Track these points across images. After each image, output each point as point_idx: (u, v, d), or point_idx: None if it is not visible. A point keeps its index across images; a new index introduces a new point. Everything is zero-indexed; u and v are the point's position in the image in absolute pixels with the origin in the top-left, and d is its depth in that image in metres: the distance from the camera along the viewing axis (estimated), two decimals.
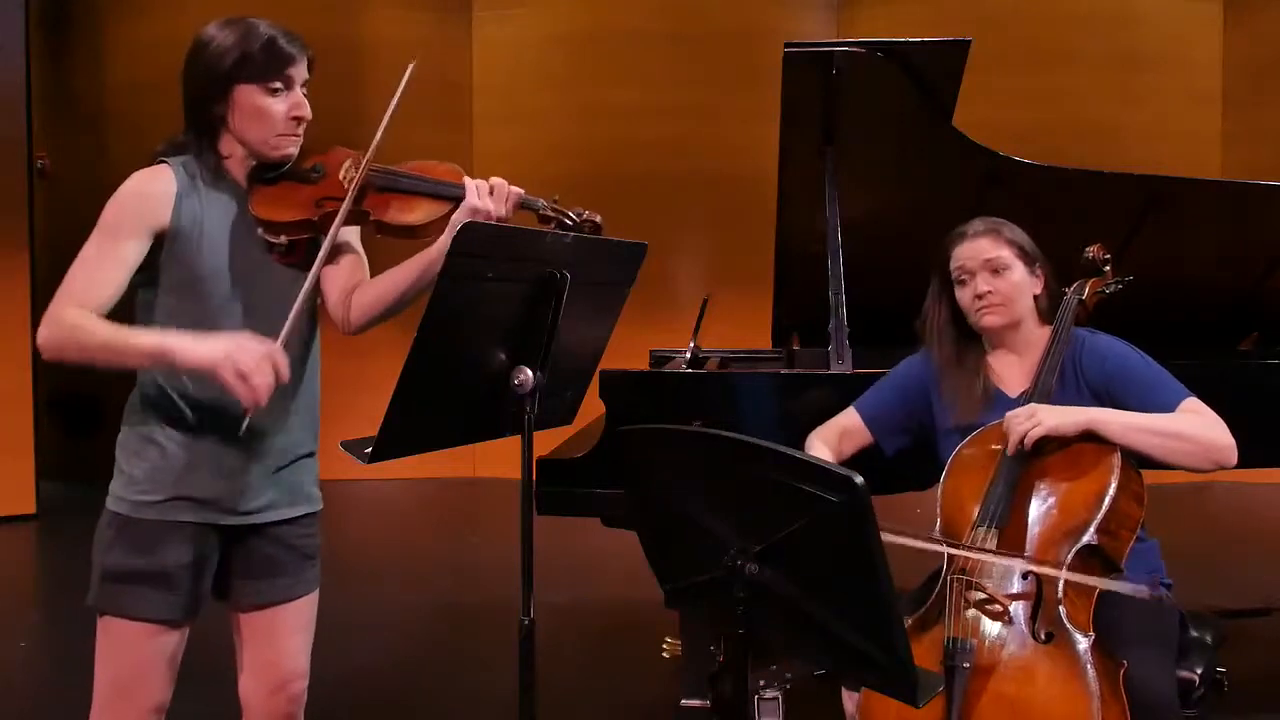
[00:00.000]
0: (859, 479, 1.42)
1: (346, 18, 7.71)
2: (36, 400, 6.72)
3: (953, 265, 2.33)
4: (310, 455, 2.08)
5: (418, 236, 1.95)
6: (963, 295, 2.33)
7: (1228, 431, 2.10)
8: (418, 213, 1.93)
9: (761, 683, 2.57)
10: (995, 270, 2.28)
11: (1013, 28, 7.27)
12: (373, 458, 1.79)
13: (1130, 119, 7.37)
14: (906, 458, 2.46)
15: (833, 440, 2.44)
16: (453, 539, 6.31)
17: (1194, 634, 2.23)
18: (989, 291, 2.28)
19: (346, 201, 1.88)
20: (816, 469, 1.47)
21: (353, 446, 1.84)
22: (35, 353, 7.39)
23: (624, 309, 2.12)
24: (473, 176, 1.98)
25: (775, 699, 2.57)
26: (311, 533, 2.09)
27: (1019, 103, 7.00)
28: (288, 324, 1.82)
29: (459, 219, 1.89)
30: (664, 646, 2.89)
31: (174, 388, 1.91)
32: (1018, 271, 2.29)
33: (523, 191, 1.98)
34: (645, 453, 1.76)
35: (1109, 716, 1.84)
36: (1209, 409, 2.13)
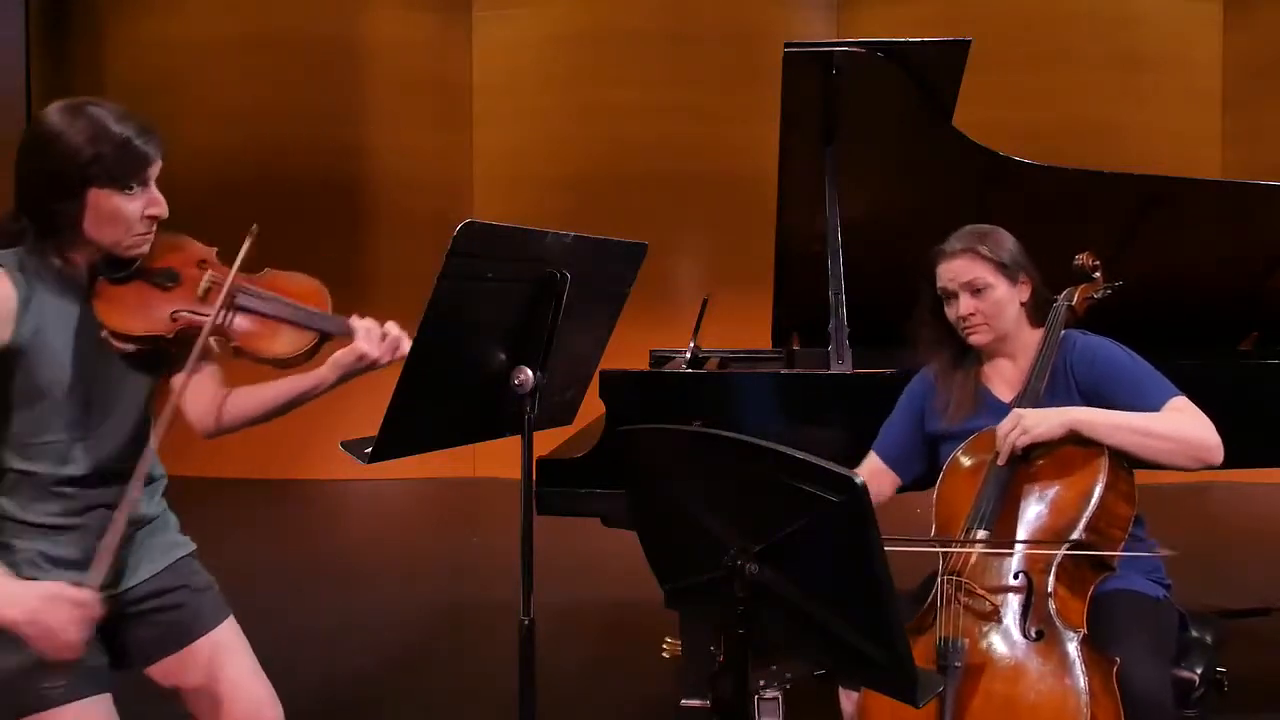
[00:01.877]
0: (859, 479, 1.42)
1: (346, 18, 7.70)
2: None
3: (937, 284, 2.35)
4: (160, 514, 1.99)
5: (281, 367, 1.88)
6: (949, 312, 2.35)
7: (1213, 430, 2.11)
8: (281, 343, 1.84)
9: (761, 683, 2.57)
10: (975, 290, 2.29)
11: (1013, 28, 7.27)
12: (373, 458, 1.79)
13: (1130, 119, 7.37)
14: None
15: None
16: (453, 539, 6.31)
17: (1194, 634, 2.23)
18: (971, 313, 2.29)
19: (206, 329, 1.79)
20: (816, 469, 1.47)
21: (353, 446, 1.84)
22: None
23: (624, 309, 2.12)
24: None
25: (775, 699, 2.57)
26: (193, 570, 2.00)
27: (1019, 103, 7.01)
28: (122, 510, 1.72)
29: (341, 359, 1.89)
30: (664, 646, 2.89)
31: (4, 495, 1.80)
32: (999, 288, 2.29)
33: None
34: (645, 453, 1.76)
35: (1100, 713, 1.85)
36: (1195, 408, 2.14)
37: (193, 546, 2.04)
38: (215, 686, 1.94)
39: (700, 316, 3.39)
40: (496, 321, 1.88)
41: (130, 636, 1.92)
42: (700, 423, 2.32)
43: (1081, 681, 1.86)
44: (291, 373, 1.93)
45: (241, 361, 1.88)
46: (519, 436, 1.92)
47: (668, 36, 7.61)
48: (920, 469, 2.45)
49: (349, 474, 7.14)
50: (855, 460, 2.43)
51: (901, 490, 2.48)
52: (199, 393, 1.96)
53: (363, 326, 1.89)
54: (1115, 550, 2.09)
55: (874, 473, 2.43)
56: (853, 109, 2.95)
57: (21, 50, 6.62)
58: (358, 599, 4.77)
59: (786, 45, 2.86)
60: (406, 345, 1.87)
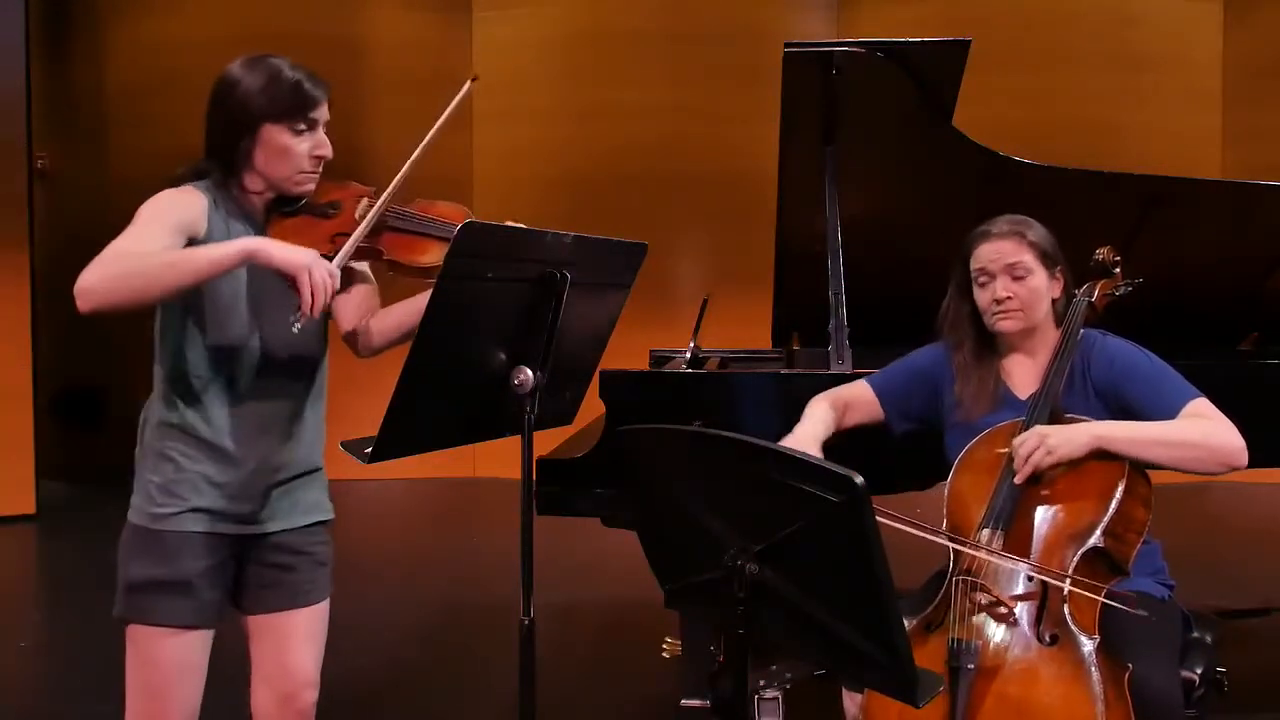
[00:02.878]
0: (859, 479, 1.42)
1: (346, 18, 7.71)
2: (36, 400, 6.72)
3: (974, 265, 2.31)
4: (318, 470, 2.14)
5: (429, 277, 1.97)
6: (981, 296, 2.31)
7: (1236, 433, 2.08)
8: (430, 255, 1.99)
9: (761, 683, 2.57)
10: (1016, 275, 2.26)
11: (1013, 28, 7.27)
12: (373, 458, 1.79)
13: (1130, 119, 7.37)
14: (910, 452, 2.46)
15: (836, 413, 2.41)
16: (453, 539, 6.31)
17: (1194, 634, 2.23)
18: (1008, 297, 2.26)
19: (356, 234, 1.94)
20: (816, 469, 1.47)
21: (353, 446, 1.85)
22: (35, 352, 7.38)
23: (624, 309, 2.12)
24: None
25: (775, 699, 2.57)
26: (322, 540, 2.15)
27: (1019, 103, 7.00)
28: (341, 253, 1.89)
29: None
30: (664, 646, 2.89)
31: (188, 403, 1.97)
32: (1039, 276, 2.26)
33: None
34: (645, 453, 1.76)
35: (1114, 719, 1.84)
36: (1217, 410, 2.11)
37: (331, 515, 2.17)
38: (282, 655, 2.09)
39: (700, 316, 3.39)
40: (496, 321, 1.88)
41: (249, 579, 2.07)
42: (700, 423, 2.32)
43: (1097, 688, 1.85)
44: None
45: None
46: (519, 436, 1.92)
47: (668, 36, 7.60)
48: (905, 429, 2.44)
49: (349, 474, 7.13)
50: (856, 461, 2.42)
51: (902, 490, 2.48)
52: (352, 307, 2.11)
53: None
54: (1130, 554, 2.07)
55: (856, 401, 2.43)
56: (853, 109, 2.95)
57: (21, 50, 6.60)
58: (358, 599, 4.77)
59: (786, 45, 2.86)
60: None
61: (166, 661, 1.97)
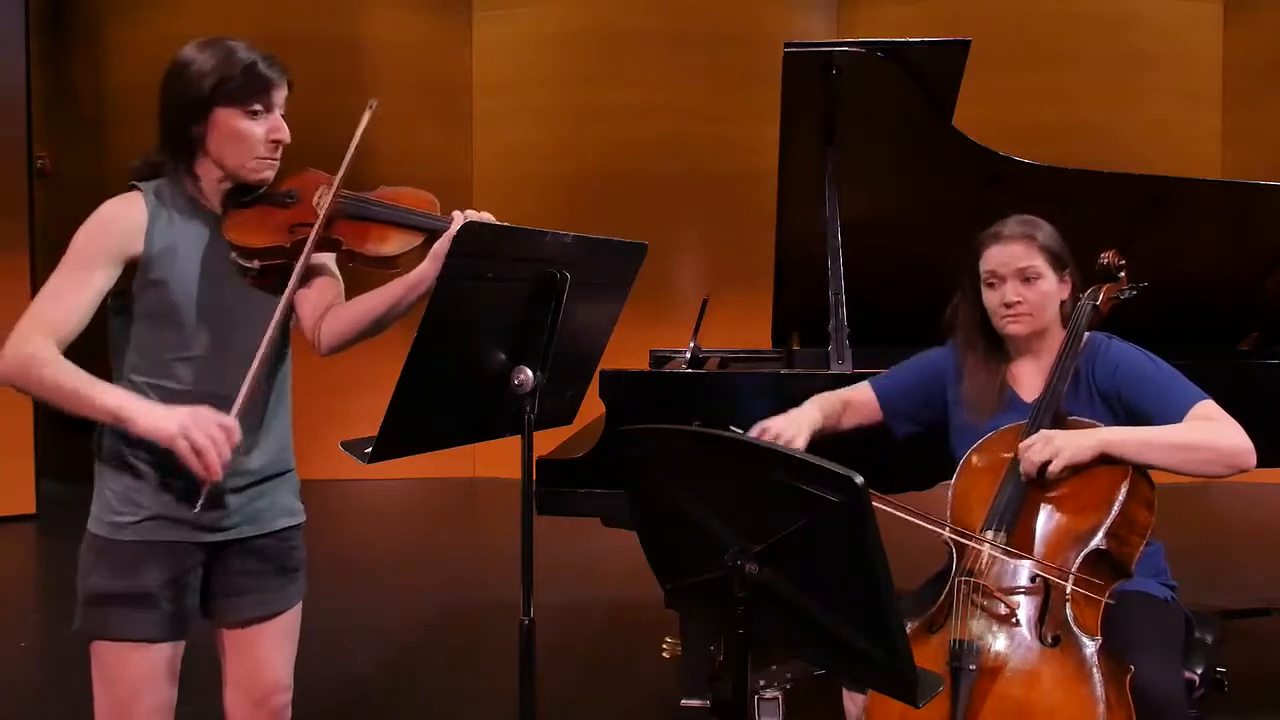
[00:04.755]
0: (859, 479, 1.42)
1: (346, 18, 7.71)
2: (37, 400, 6.71)
3: (984, 267, 2.30)
4: (288, 472, 2.07)
5: (390, 268, 1.94)
6: (990, 298, 2.30)
7: (1244, 434, 2.08)
8: (390, 244, 1.92)
9: (761, 683, 2.57)
10: (1026, 279, 2.25)
11: (1013, 28, 7.27)
12: (373, 458, 1.79)
13: (1130, 119, 7.37)
14: (912, 452, 2.46)
15: (833, 407, 2.41)
16: (453, 539, 6.31)
17: (1195, 634, 2.23)
18: (1018, 301, 2.25)
19: (316, 227, 1.87)
20: (816, 469, 1.47)
21: (353, 446, 1.84)
22: None
23: (624, 309, 2.12)
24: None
25: (775, 699, 2.57)
26: (293, 545, 2.07)
27: (1019, 103, 7.00)
28: (246, 384, 1.80)
29: (439, 249, 1.87)
30: (664, 646, 2.89)
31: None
32: (1048, 280, 2.26)
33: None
34: (645, 453, 1.76)
35: None
36: (1223, 412, 2.11)
37: (302, 518, 2.09)
38: (254, 663, 2.04)
39: (700, 316, 3.39)
40: (496, 321, 1.88)
41: (218, 587, 2.00)
42: (700, 423, 2.32)
43: (1098, 690, 1.84)
44: (401, 274, 1.96)
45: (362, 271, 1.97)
46: (519, 436, 1.92)
47: (667, 36, 7.60)
48: (907, 432, 2.44)
49: (349, 474, 7.13)
50: (856, 461, 2.42)
51: (902, 490, 2.48)
52: (310, 303, 2.02)
53: (459, 217, 1.91)
54: (1133, 556, 2.06)
55: (856, 403, 2.43)
56: (853, 109, 2.95)
57: (22, 50, 6.60)
58: (357, 599, 4.77)
59: (786, 45, 2.86)
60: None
61: (132, 678, 1.88)
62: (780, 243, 3.33)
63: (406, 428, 1.82)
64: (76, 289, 1.82)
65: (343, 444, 1.89)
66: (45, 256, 6.83)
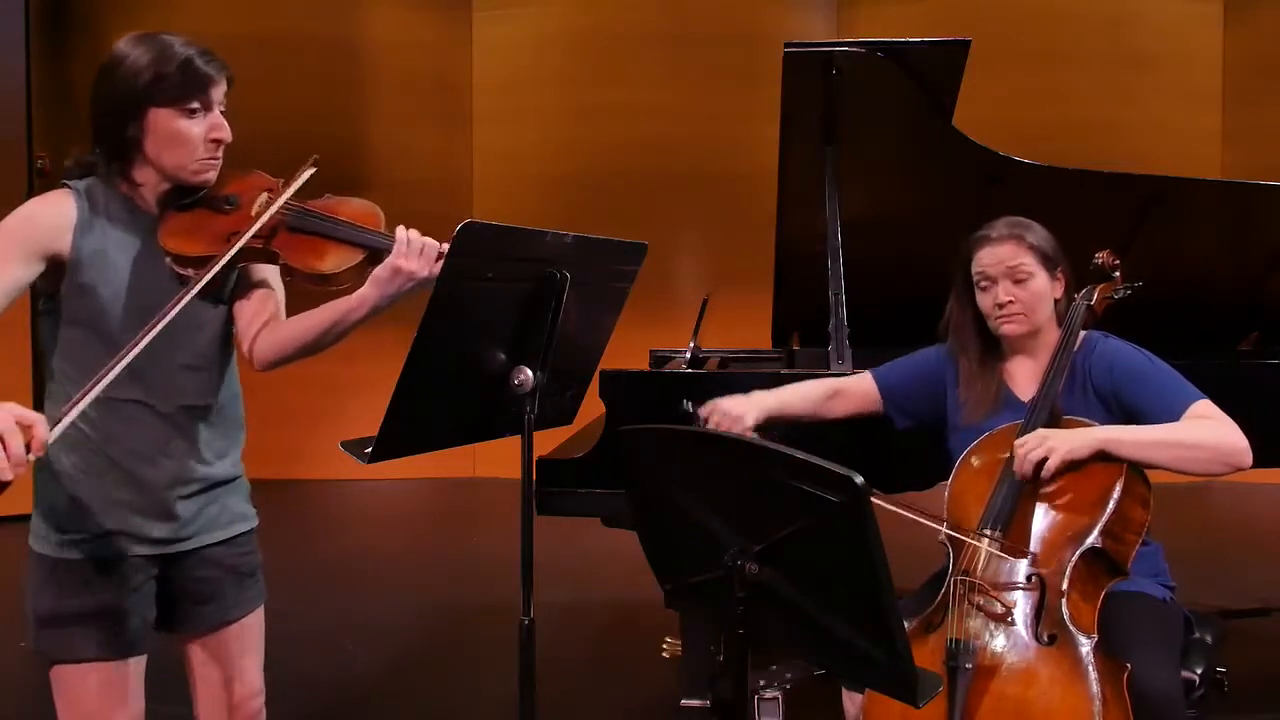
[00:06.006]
0: (859, 479, 1.42)
1: (346, 18, 7.70)
2: (36, 400, 6.69)
3: (974, 269, 2.31)
4: (237, 478, 2.02)
5: (328, 285, 1.86)
6: (983, 300, 2.31)
7: (1240, 433, 2.08)
8: (329, 260, 1.83)
9: (761, 683, 2.57)
10: (1017, 279, 2.26)
11: (1013, 28, 7.27)
12: (373, 458, 1.79)
13: (1130, 119, 7.36)
14: (911, 452, 2.46)
15: (813, 393, 2.42)
16: (453, 539, 6.31)
17: (1194, 634, 2.23)
18: (1009, 301, 2.26)
19: (246, 234, 1.77)
20: (816, 469, 1.47)
21: (353, 446, 1.84)
22: (35, 352, 7.35)
23: (624, 309, 2.12)
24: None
25: (775, 699, 2.57)
26: (248, 550, 2.04)
27: (1019, 103, 7.00)
28: (169, 311, 1.68)
29: (379, 274, 1.82)
30: (664, 646, 2.89)
31: (82, 421, 1.79)
32: (1039, 279, 2.27)
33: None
34: (645, 453, 1.76)
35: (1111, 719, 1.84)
36: (1219, 410, 2.11)
37: (254, 522, 2.06)
38: (224, 672, 2.01)
39: (700, 316, 3.39)
40: (496, 321, 1.88)
41: (175, 598, 1.95)
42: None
43: (1094, 688, 1.85)
44: (341, 293, 1.88)
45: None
46: (519, 436, 1.92)
47: (668, 36, 7.60)
48: (905, 425, 2.44)
49: (349, 474, 7.14)
50: (857, 461, 2.42)
51: (901, 490, 2.48)
52: (246, 315, 1.94)
53: (403, 238, 1.81)
54: (1129, 554, 2.07)
55: (851, 391, 2.44)
56: (853, 109, 2.95)
57: (22, 50, 6.60)
58: (357, 599, 4.77)
59: (786, 45, 2.86)
60: (441, 251, 1.80)
61: (95, 698, 1.84)
62: (780, 243, 3.33)
63: (406, 428, 1.82)
64: None
65: (343, 444, 1.89)
66: None
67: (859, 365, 2.80)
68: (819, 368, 3.00)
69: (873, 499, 1.44)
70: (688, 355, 3.27)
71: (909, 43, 2.90)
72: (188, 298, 1.71)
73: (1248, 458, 2.08)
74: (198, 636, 2.00)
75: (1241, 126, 7.51)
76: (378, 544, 6.09)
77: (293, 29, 7.50)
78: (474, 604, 4.74)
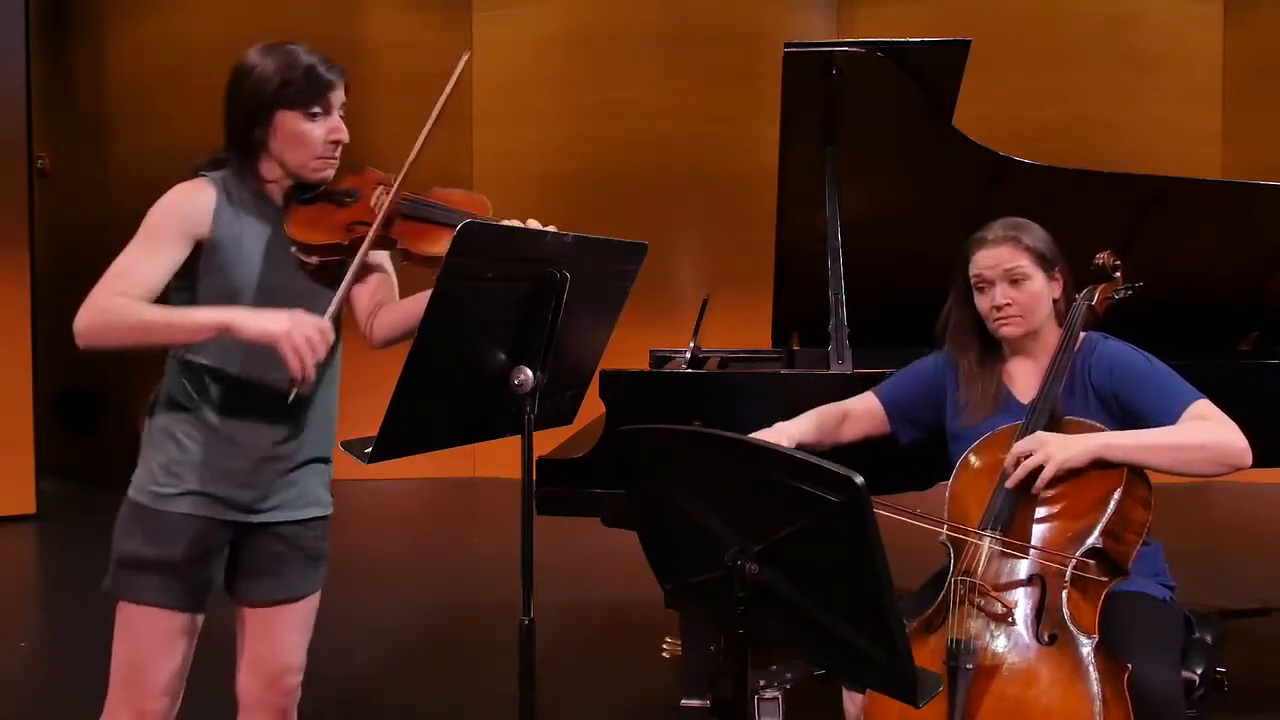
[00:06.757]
0: (859, 479, 1.42)
1: (346, 18, 7.71)
2: (36, 399, 6.71)
3: (972, 272, 2.31)
4: (323, 460, 2.14)
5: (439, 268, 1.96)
6: (981, 302, 2.31)
7: (1240, 433, 2.07)
8: (441, 244, 1.93)
9: (761, 683, 2.57)
10: (1014, 280, 2.25)
11: (1013, 28, 7.27)
12: (373, 458, 1.79)
13: (1130, 119, 7.37)
14: (915, 455, 2.46)
15: (833, 414, 2.42)
16: (453, 539, 6.31)
17: (1195, 634, 2.23)
18: (1007, 303, 2.26)
19: (374, 228, 1.94)
20: (816, 469, 1.47)
21: (353, 446, 1.84)
22: (35, 352, 7.36)
23: (624, 309, 2.12)
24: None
25: (775, 699, 2.57)
26: (319, 535, 2.15)
27: (1019, 103, 7.00)
28: (334, 303, 1.92)
29: None
30: (664, 646, 2.89)
31: (197, 388, 1.98)
32: (1037, 280, 2.26)
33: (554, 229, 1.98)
34: (645, 453, 1.76)
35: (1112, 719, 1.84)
36: (1218, 411, 2.11)
37: (329, 510, 2.17)
38: (269, 643, 2.11)
39: (700, 316, 3.39)
40: (496, 321, 1.88)
41: (243, 566, 2.08)
42: (700, 423, 2.32)
43: (1095, 688, 1.85)
44: None
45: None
46: (519, 436, 1.92)
47: (668, 36, 7.60)
48: (912, 437, 2.44)
49: (349, 474, 7.13)
50: (857, 461, 2.42)
51: (902, 490, 2.48)
52: (366, 298, 2.11)
53: (531, 225, 1.96)
54: (1129, 554, 2.07)
55: (858, 413, 2.43)
56: (853, 109, 2.95)
57: (22, 50, 6.60)
58: (358, 598, 4.77)
59: (786, 45, 2.86)
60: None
61: (149, 639, 1.98)
62: (780, 243, 3.33)
63: (406, 428, 1.82)
64: (149, 260, 1.90)
65: (343, 444, 1.90)
66: (45, 256, 6.84)
67: (859, 365, 2.81)
68: (819, 368, 3.00)
69: (876, 503, 1.44)
70: (688, 355, 3.28)
71: (909, 43, 2.90)
72: (350, 275, 1.93)
73: (1247, 458, 2.07)
74: (256, 606, 2.10)
75: (1241, 126, 7.51)
76: (378, 544, 6.09)
77: (293, 29, 7.46)
78: (474, 604, 4.74)
